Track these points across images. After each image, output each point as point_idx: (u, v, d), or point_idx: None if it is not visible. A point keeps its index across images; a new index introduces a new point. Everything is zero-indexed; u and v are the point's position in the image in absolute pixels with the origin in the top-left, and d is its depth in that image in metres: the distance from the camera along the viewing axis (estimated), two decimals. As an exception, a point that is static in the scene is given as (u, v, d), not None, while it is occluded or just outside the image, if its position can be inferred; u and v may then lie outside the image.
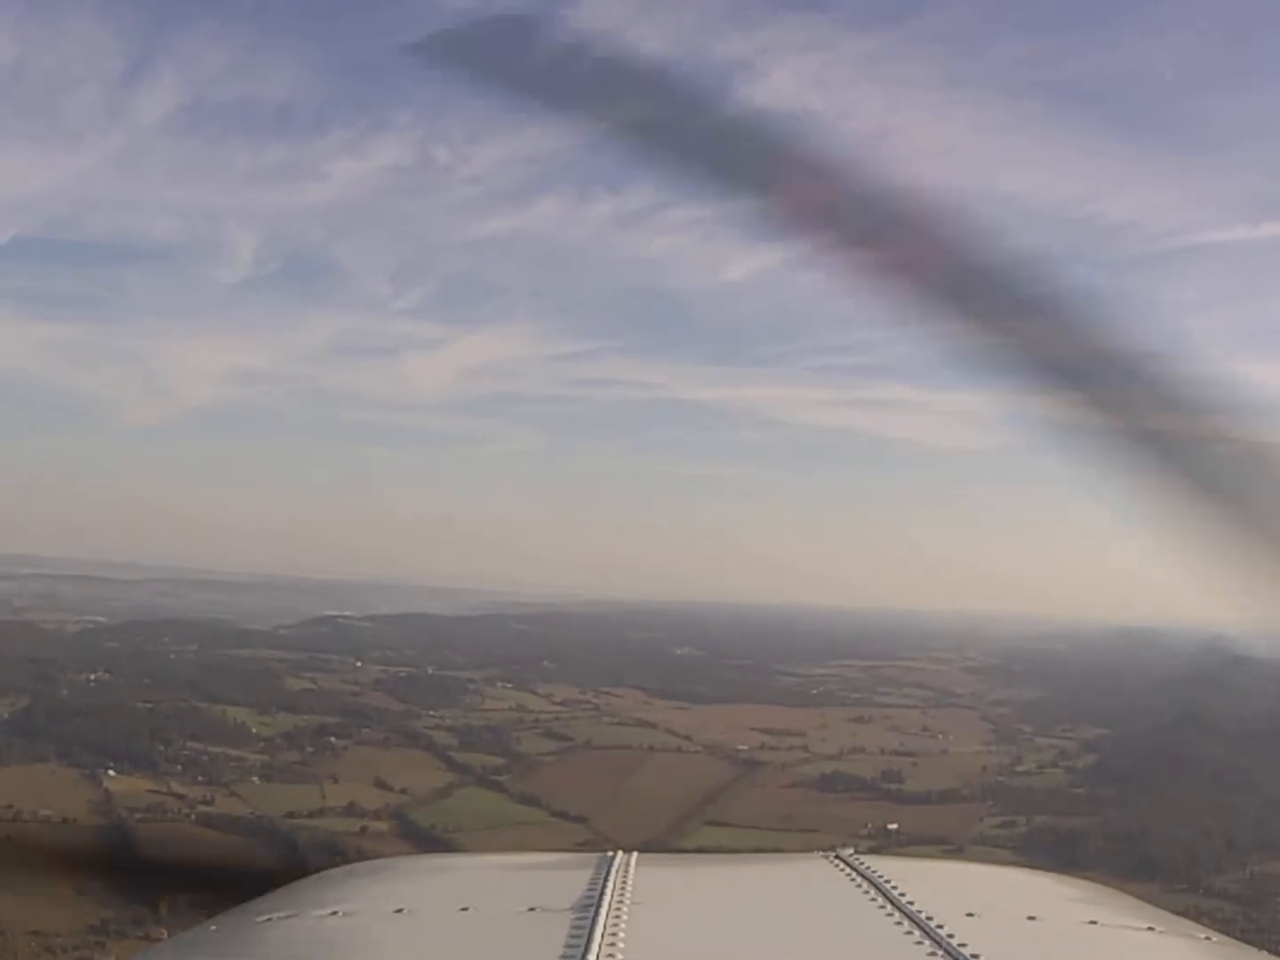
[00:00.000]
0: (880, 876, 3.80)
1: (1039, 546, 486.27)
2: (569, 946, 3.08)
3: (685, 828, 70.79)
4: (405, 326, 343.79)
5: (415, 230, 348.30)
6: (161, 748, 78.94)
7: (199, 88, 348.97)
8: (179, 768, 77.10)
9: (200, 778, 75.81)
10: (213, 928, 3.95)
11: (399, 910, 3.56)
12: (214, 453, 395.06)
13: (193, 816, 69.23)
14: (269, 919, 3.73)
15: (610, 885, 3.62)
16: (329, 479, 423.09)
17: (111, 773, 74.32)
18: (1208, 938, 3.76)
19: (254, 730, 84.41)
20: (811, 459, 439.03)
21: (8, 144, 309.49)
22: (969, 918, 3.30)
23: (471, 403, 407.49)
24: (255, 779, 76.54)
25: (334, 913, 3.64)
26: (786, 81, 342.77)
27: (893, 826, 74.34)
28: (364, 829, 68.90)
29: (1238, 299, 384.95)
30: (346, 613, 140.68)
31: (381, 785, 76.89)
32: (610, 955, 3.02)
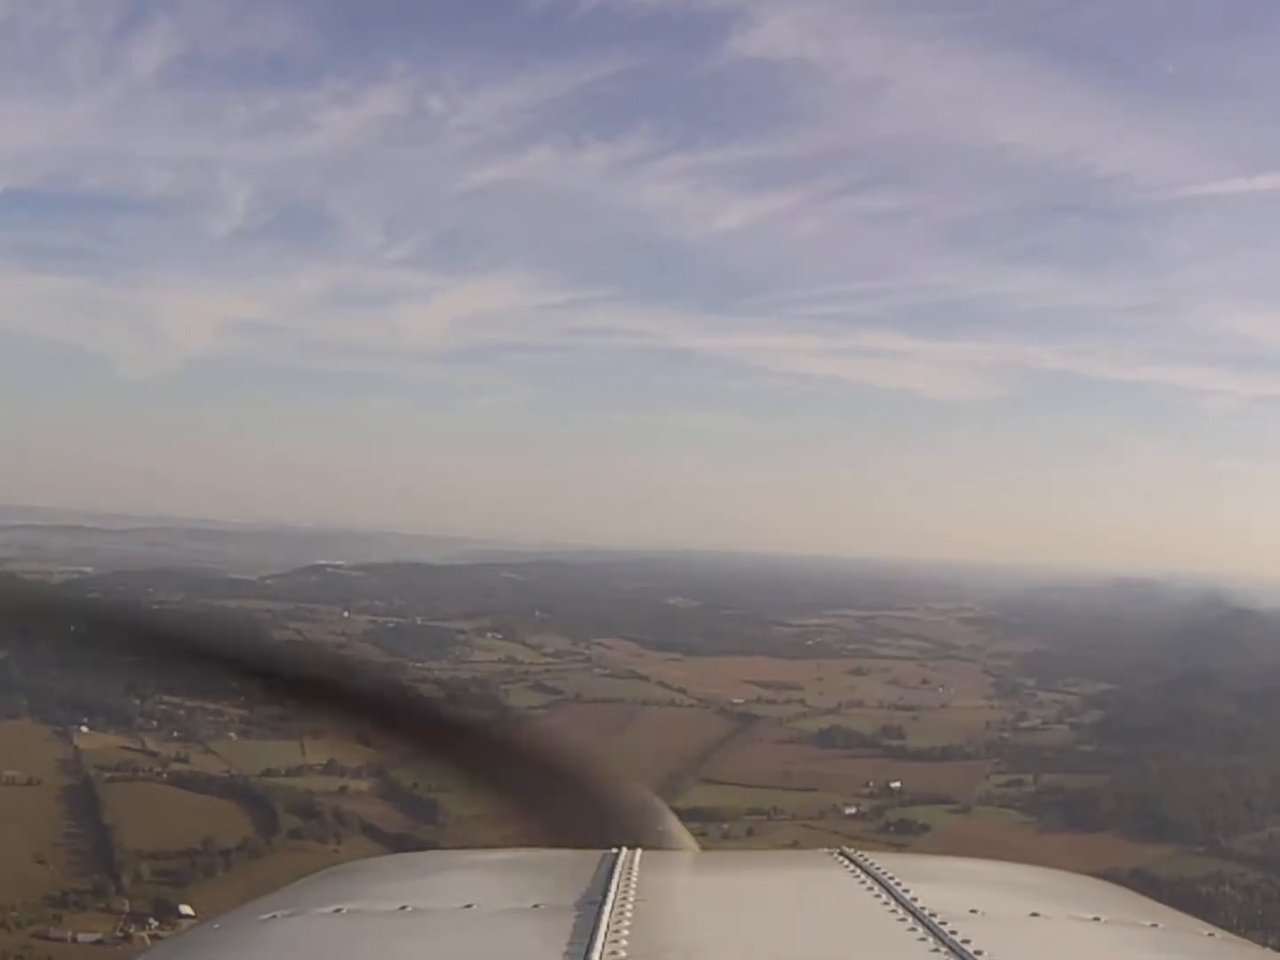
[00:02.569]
0: (884, 873, 3.65)
1: (1031, 496, 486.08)
2: (573, 944, 2.99)
3: (679, 787, 67.76)
4: (398, 276, 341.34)
5: (408, 180, 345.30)
6: (138, 702, 75.97)
7: (194, 39, 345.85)
8: (155, 723, 74.39)
9: (176, 733, 73.07)
10: (215, 925, 3.74)
11: (403, 907, 3.42)
12: (208, 404, 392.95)
13: (164, 776, 66.72)
14: (272, 916, 3.53)
15: (614, 882, 3.51)
16: (323, 429, 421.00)
17: (84, 729, 71.59)
18: (1212, 934, 3.65)
19: (234, 684, 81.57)
20: (804, 407, 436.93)
21: (2, 97, 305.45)
22: (973, 914, 3.24)
23: (464, 352, 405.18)
24: (233, 735, 73.59)
25: (338, 910, 3.50)
26: (783, 30, 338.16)
27: (895, 785, 72.07)
28: (343, 788, 66.37)
29: (1232, 250, 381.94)
30: (337, 562, 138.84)
31: (364, 741, 74.26)
32: (614, 953, 2.92)
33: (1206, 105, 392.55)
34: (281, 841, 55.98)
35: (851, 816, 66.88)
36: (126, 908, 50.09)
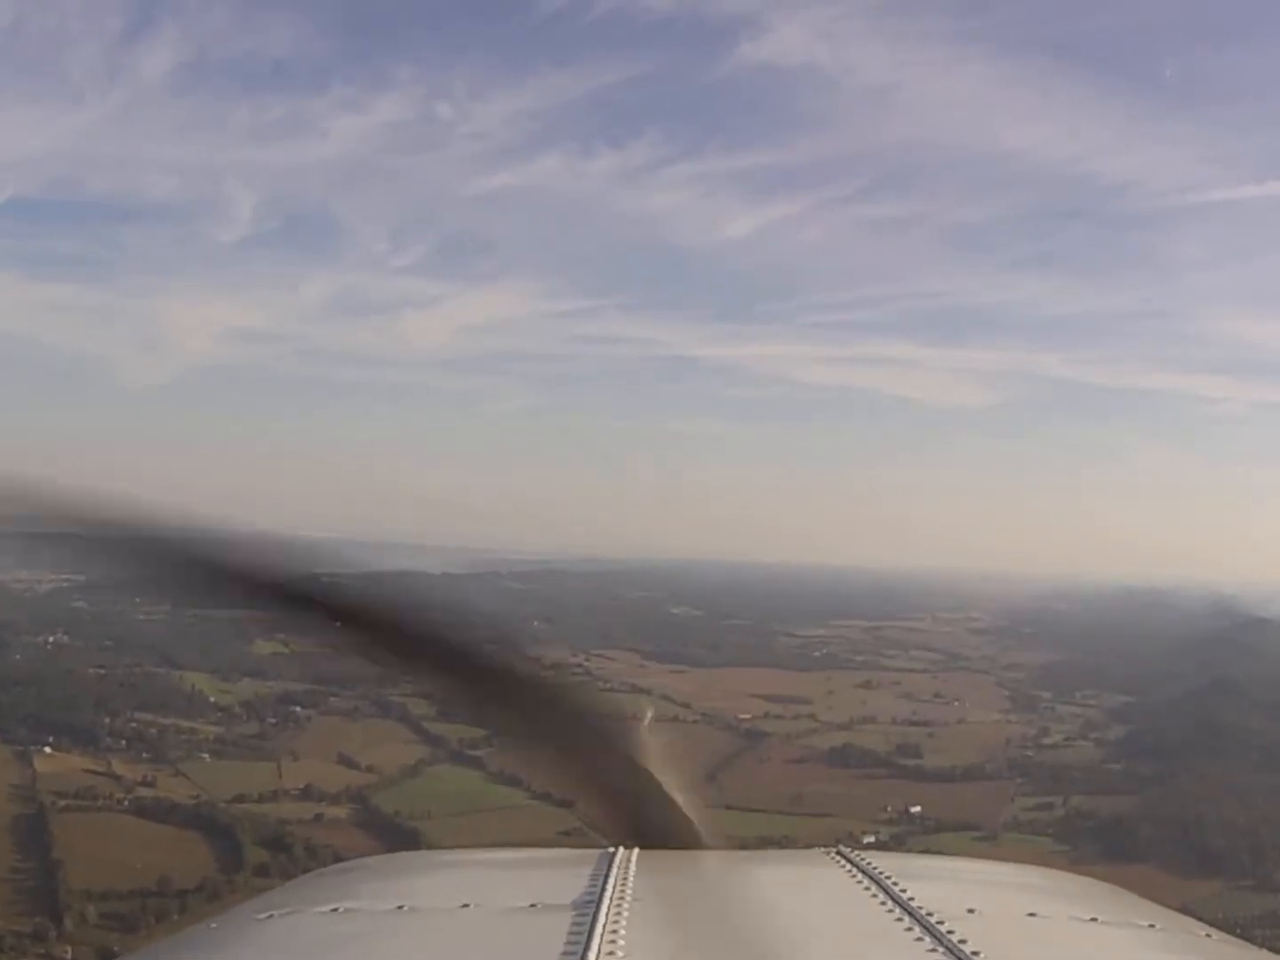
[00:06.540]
0: (881, 873, 3.66)
1: (1036, 504, 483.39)
2: (570, 943, 3.03)
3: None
4: (404, 284, 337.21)
5: (416, 187, 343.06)
6: (107, 720, 71.73)
7: (200, 44, 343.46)
8: (123, 743, 69.83)
9: (145, 754, 68.53)
10: (212, 925, 3.76)
11: (400, 907, 3.46)
12: (211, 412, 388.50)
13: (125, 803, 61.87)
14: (270, 916, 3.56)
15: (611, 882, 3.54)
16: (327, 437, 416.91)
17: (48, 749, 66.93)
18: (1209, 935, 3.71)
19: (212, 699, 77.22)
20: (809, 415, 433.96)
21: (6, 103, 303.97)
22: (969, 914, 3.26)
23: (470, 360, 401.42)
24: (206, 756, 69.20)
25: (335, 910, 3.53)
26: (792, 37, 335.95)
27: (915, 809, 67.55)
28: (319, 815, 61.76)
29: (1240, 257, 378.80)
30: (334, 571, 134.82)
31: (345, 762, 69.72)
32: (610, 953, 2.98)
33: (1213, 111, 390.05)
34: (245, 880, 50.67)
35: (870, 846, 62.52)
36: (68, 955, 45.85)
